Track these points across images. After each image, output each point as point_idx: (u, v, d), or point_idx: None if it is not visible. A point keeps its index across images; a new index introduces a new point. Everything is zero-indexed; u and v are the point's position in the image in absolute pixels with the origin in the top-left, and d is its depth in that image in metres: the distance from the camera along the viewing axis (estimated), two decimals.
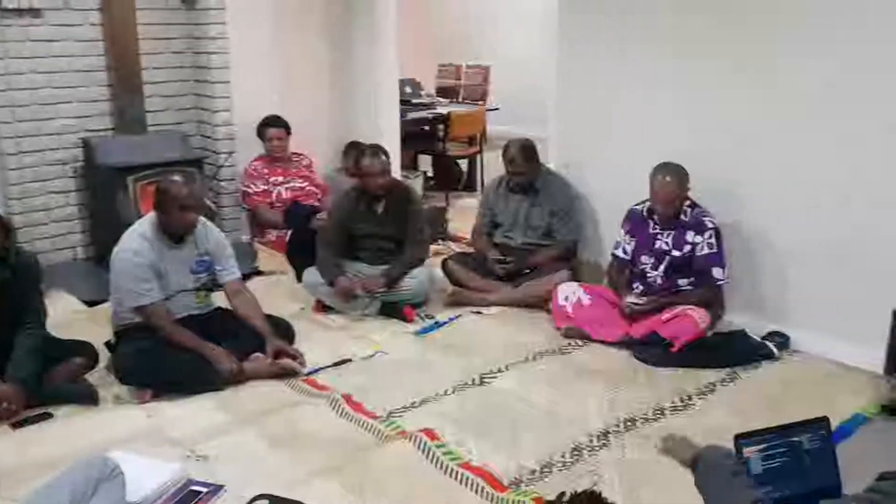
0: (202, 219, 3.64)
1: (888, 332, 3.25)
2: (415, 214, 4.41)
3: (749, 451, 2.35)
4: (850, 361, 3.56)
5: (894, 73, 3.38)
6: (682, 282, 3.89)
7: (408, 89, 7.15)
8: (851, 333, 3.56)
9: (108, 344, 3.60)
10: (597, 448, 2.96)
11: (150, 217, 3.55)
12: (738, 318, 3.99)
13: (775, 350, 3.71)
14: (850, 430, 3.03)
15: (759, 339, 3.78)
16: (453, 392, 3.41)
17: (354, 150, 5.71)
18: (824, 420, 2.34)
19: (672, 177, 3.78)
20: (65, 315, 4.12)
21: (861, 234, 3.57)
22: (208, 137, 5.53)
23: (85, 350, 3.48)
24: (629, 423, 3.13)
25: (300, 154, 5.67)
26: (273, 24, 5.56)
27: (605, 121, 4.53)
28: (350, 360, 3.73)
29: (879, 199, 3.50)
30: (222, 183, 5.52)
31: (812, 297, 3.77)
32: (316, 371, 3.61)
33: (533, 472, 2.80)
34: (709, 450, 2.11)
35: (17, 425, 3.10)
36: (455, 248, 5.38)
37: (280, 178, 5.45)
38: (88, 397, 3.29)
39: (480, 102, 8.43)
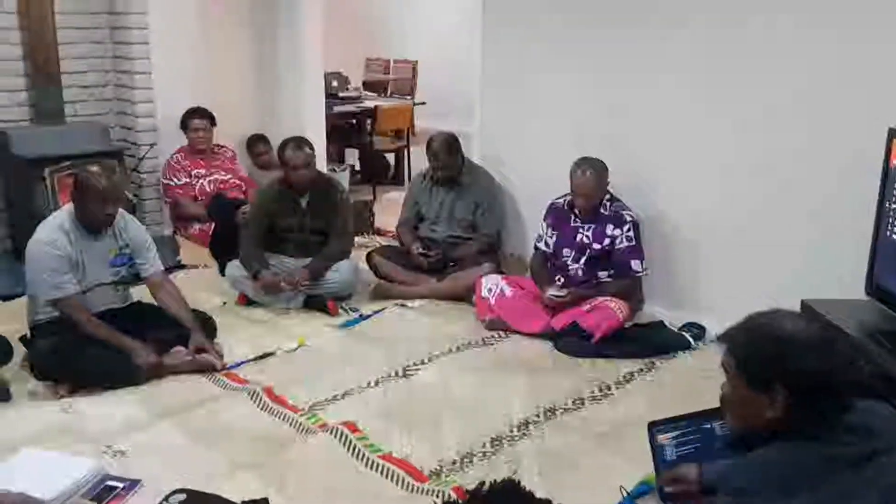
0: (122, 211, 3.57)
1: None
2: (339, 207, 4.40)
3: (663, 438, 2.44)
4: None
5: (798, 58, 3.50)
6: (603, 274, 3.98)
7: (334, 83, 7.13)
8: None
9: (23, 339, 3.52)
10: (517, 438, 3.00)
11: (67, 208, 3.47)
12: (657, 309, 4.11)
13: (692, 340, 3.82)
14: None
15: (676, 330, 3.89)
16: (376, 385, 3.42)
17: (260, 143, 5.72)
18: None
19: (592, 171, 3.87)
20: None
21: (772, 227, 3.70)
22: (129, 129, 5.42)
23: None
24: (549, 413, 3.19)
25: (223, 146, 5.61)
26: (197, 14, 5.47)
27: (526, 116, 4.61)
28: (273, 354, 3.72)
29: (791, 194, 3.62)
30: (143, 175, 5.42)
31: (726, 288, 3.89)
32: (238, 365, 3.59)
33: (454, 462, 2.83)
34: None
35: None
36: (380, 241, 5.39)
37: (203, 171, 5.39)
38: (0, 393, 3.20)
39: (408, 97, 8.46)
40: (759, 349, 1.67)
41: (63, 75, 5.00)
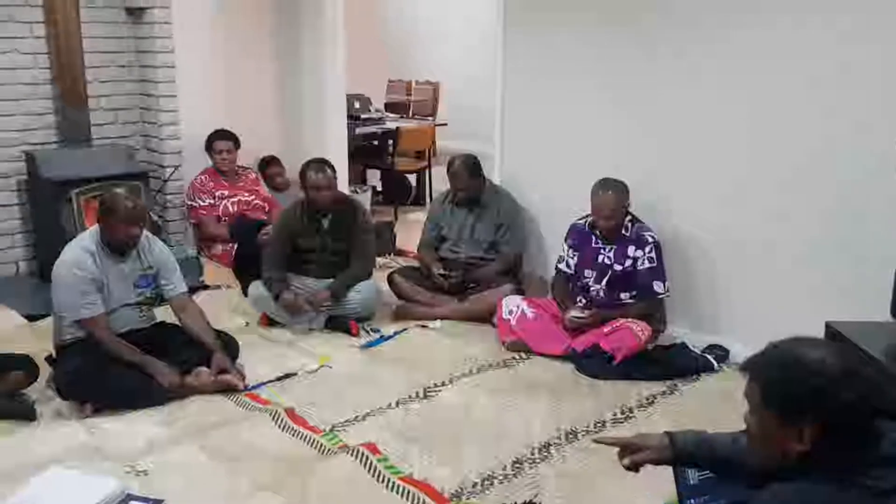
0: (147, 233, 3.61)
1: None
2: (361, 228, 4.42)
3: None
4: None
5: (820, 74, 3.49)
6: (624, 295, 3.97)
7: (357, 104, 7.18)
8: None
9: (49, 359, 3.56)
10: (538, 460, 2.99)
11: (93, 230, 3.52)
12: (680, 331, 4.08)
13: (715, 363, 3.80)
14: None
15: (699, 352, 3.87)
16: (397, 406, 3.42)
17: (274, 165, 5.78)
18: None
19: (613, 192, 3.86)
20: (6, 330, 4.06)
21: (794, 247, 3.69)
22: (154, 151, 5.50)
23: (24, 364, 3.42)
24: (570, 436, 3.17)
25: (247, 168, 5.67)
26: (221, 38, 5.57)
27: (547, 137, 4.61)
28: (295, 374, 3.73)
29: (814, 215, 3.60)
30: (168, 197, 5.49)
31: (750, 311, 3.86)
32: (260, 385, 3.61)
33: (474, 484, 2.82)
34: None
35: None
36: (401, 262, 5.41)
37: (226, 192, 5.44)
38: (26, 412, 3.24)
39: (430, 118, 8.50)
40: (785, 383, 1.62)
41: (90, 98, 5.08)
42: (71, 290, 3.36)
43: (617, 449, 2.05)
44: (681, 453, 1.99)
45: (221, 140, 5.43)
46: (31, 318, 4.28)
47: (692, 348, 3.90)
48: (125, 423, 3.24)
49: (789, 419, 1.60)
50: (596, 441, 2.08)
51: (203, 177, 5.45)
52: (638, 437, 2.05)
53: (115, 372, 3.34)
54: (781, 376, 1.62)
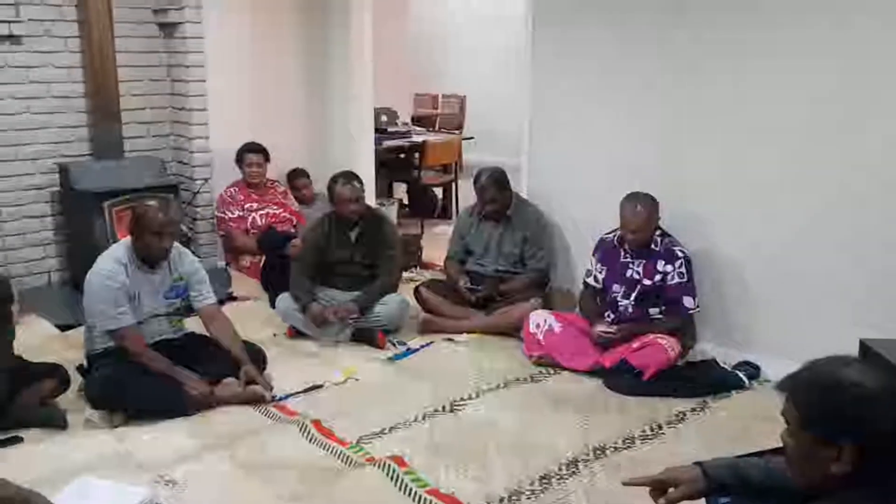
0: (177, 244, 3.65)
1: None
2: (388, 241, 4.44)
3: None
4: None
5: (865, 92, 3.46)
6: (653, 310, 3.94)
7: (384, 118, 7.21)
8: None
9: (80, 368, 3.60)
10: (566, 476, 2.97)
11: (124, 241, 3.56)
12: (710, 347, 4.04)
13: (746, 380, 3.75)
14: None
15: (729, 369, 3.82)
16: (424, 419, 3.42)
17: (301, 177, 5.80)
18: None
19: (642, 206, 3.84)
20: (38, 339, 4.11)
21: (827, 263, 3.64)
22: (185, 163, 5.56)
23: (56, 373, 3.47)
24: (599, 452, 3.15)
25: (275, 181, 5.71)
26: (250, 53, 5.63)
27: (575, 150, 4.60)
28: (321, 386, 3.74)
29: (847, 229, 3.57)
30: (198, 209, 5.54)
31: (782, 327, 3.81)
32: (287, 397, 3.62)
33: (501, 499, 2.80)
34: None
35: None
36: (428, 275, 5.41)
37: (255, 205, 5.48)
38: (57, 421, 3.28)
39: (456, 131, 8.52)
40: (825, 405, 1.59)
41: (122, 112, 5.14)
42: (102, 301, 3.40)
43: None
44: (714, 484, 1.96)
45: (252, 153, 5.48)
46: (64, 327, 4.34)
47: (722, 364, 3.86)
48: (155, 432, 3.27)
49: (828, 440, 1.58)
50: (625, 484, 2.05)
51: (232, 189, 5.50)
52: (668, 473, 2.00)
53: (145, 381, 3.37)
54: (820, 397, 1.60)
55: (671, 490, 1.94)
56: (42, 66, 4.91)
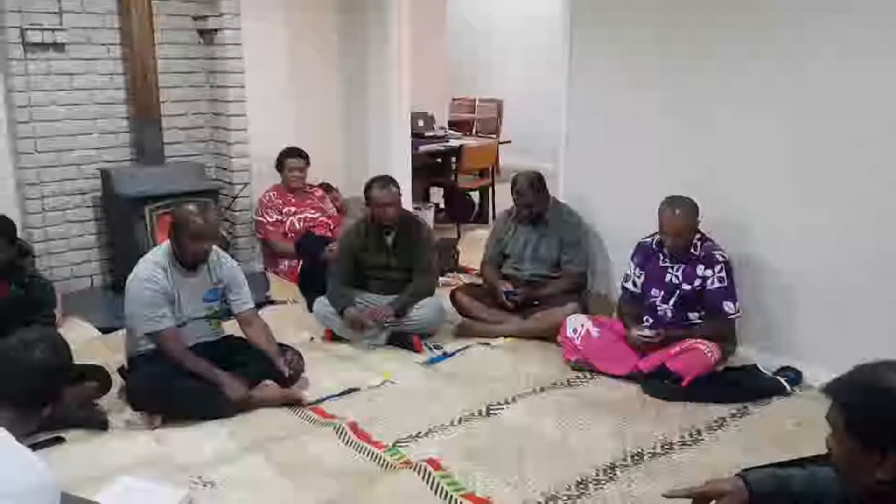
0: (216, 248, 3.69)
1: None
2: (424, 245, 4.44)
3: None
4: None
5: None
6: (693, 315, 3.88)
7: (420, 122, 7.22)
8: None
9: (121, 370, 3.65)
10: (603, 482, 2.94)
11: (165, 245, 3.60)
12: (751, 352, 3.98)
13: (787, 386, 3.69)
14: None
15: (770, 375, 3.76)
16: (460, 423, 3.41)
17: (330, 191, 5.82)
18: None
19: (681, 210, 3.78)
20: (81, 341, 4.16)
21: (871, 266, 3.57)
22: (224, 169, 5.62)
23: (98, 374, 3.53)
24: (636, 458, 3.12)
25: (313, 185, 5.74)
26: (289, 59, 5.68)
27: (614, 153, 4.57)
28: (358, 389, 3.75)
29: (893, 235, 3.50)
30: (237, 213, 5.59)
31: (825, 332, 3.75)
32: (324, 400, 3.63)
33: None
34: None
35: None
36: (464, 279, 5.41)
37: (293, 209, 5.52)
38: (98, 422, 3.32)
39: (493, 135, 8.50)
40: (869, 409, 1.57)
41: (163, 117, 5.22)
42: (143, 304, 3.44)
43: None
44: (757, 496, 1.92)
45: (293, 157, 5.52)
46: (105, 330, 4.40)
47: (763, 370, 3.80)
48: (193, 434, 3.30)
49: (872, 446, 1.55)
50: (666, 496, 2.02)
51: (271, 193, 5.54)
52: (710, 485, 1.97)
53: (184, 384, 3.40)
54: (865, 402, 1.57)
55: (714, 503, 1.91)
56: (85, 73, 4.99)
